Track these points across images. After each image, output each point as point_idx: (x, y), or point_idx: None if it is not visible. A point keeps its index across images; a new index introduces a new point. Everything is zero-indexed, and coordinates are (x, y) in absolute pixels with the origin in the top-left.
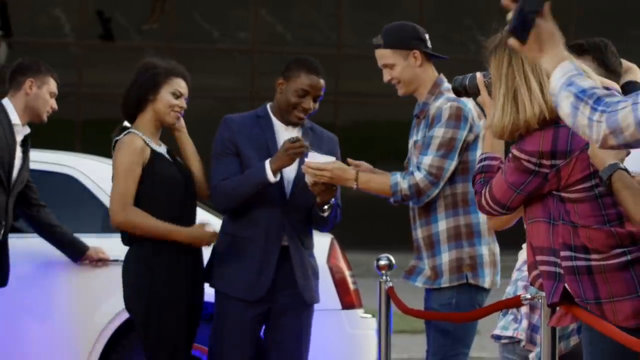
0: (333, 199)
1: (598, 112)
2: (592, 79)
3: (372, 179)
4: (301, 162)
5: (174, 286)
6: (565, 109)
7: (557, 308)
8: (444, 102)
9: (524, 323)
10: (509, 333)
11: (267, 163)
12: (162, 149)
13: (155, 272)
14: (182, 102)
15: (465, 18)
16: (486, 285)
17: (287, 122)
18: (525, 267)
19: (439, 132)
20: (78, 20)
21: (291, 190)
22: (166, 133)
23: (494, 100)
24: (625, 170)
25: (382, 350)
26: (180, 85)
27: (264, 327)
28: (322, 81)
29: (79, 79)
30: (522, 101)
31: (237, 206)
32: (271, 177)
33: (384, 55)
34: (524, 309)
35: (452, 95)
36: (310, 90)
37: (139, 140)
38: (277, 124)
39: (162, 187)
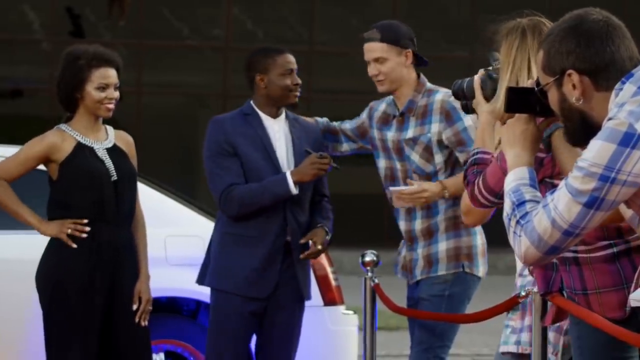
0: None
1: (519, 226)
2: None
3: (454, 182)
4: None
5: (69, 276)
6: (504, 213)
7: (549, 305)
8: (447, 95)
9: (526, 336)
10: (512, 348)
11: (289, 175)
12: (99, 144)
13: (58, 259)
14: (111, 93)
15: (437, 16)
16: (480, 274)
17: (283, 106)
18: (526, 272)
19: (468, 122)
20: (48, 16)
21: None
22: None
23: (500, 83)
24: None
25: (367, 348)
26: (105, 75)
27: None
28: (290, 55)
29: (50, 76)
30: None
31: (250, 213)
32: (293, 190)
33: (377, 49)
34: (527, 320)
35: (445, 89)
36: (291, 66)
37: (53, 137)
38: (265, 119)
39: (79, 178)
